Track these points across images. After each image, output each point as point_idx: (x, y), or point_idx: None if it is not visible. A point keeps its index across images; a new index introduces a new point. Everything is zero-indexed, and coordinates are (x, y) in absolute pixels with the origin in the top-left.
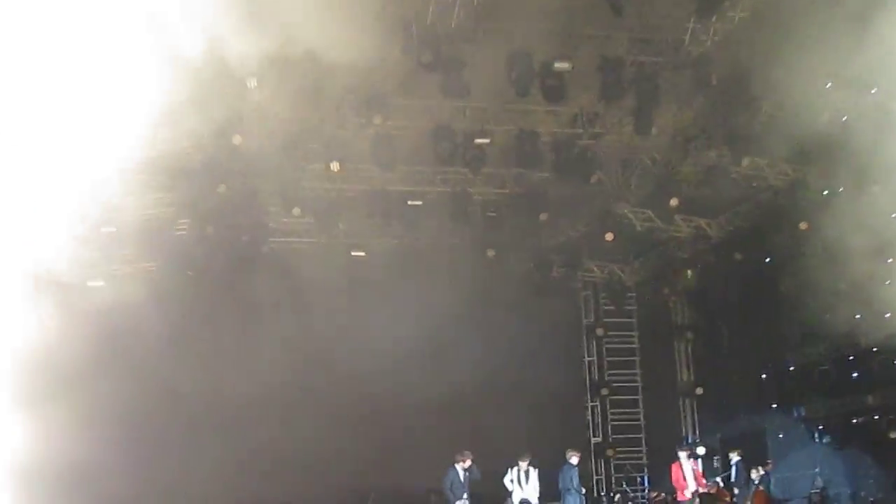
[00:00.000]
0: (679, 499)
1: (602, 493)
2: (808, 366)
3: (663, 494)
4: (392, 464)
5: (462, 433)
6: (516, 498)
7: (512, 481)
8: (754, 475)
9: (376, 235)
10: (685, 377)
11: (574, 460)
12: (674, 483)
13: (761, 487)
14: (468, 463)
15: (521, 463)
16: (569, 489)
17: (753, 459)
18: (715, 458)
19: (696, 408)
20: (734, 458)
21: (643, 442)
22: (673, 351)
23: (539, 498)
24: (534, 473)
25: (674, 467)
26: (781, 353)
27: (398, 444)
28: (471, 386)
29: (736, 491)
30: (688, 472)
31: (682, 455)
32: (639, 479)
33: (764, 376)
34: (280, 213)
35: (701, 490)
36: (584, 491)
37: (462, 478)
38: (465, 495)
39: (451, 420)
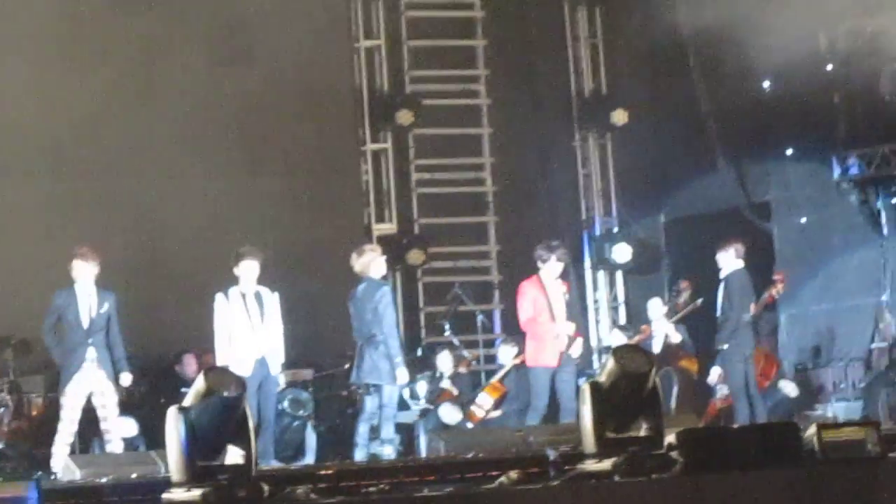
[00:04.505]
0: (528, 361)
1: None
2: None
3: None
4: None
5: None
6: (242, 356)
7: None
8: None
9: None
10: (589, 83)
11: (376, 269)
12: (521, 320)
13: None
14: (91, 265)
15: (242, 276)
16: (371, 336)
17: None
18: (659, 266)
19: (609, 152)
20: (727, 260)
21: (490, 233)
22: (561, 24)
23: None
24: (272, 300)
25: (525, 288)
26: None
27: None
28: None
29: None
30: (555, 298)
31: (549, 263)
32: (479, 320)
33: (767, 86)
34: None
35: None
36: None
37: (86, 310)
38: (90, 352)
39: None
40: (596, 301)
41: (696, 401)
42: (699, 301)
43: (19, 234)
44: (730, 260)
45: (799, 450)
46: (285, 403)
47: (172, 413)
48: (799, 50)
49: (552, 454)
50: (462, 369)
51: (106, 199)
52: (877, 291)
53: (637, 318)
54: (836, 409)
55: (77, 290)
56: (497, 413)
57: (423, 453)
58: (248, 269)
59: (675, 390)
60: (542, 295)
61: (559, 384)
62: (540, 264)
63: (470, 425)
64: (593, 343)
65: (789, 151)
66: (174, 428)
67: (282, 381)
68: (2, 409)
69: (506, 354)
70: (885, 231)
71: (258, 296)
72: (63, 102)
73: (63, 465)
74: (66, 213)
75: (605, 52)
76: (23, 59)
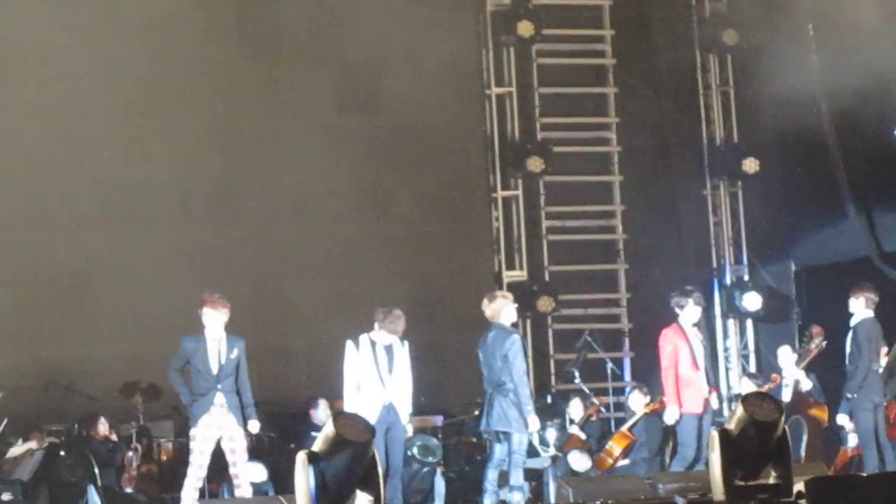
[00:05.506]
0: (669, 407)
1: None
2: None
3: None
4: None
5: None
6: (370, 403)
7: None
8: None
9: None
10: (720, 131)
11: (507, 316)
12: (663, 369)
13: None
14: (220, 313)
15: (380, 327)
16: (501, 384)
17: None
18: (789, 315)
19: (740, 200)
20: (857, 307)
21: (620, 281)
22: (692, 72)
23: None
24: (403, 352)
25: (668, 336)
26: None
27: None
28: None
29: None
30: (696, 344)
31: (687, 309)
32: (609, 368)
33: None
34: None
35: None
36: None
37: (215, 357)
38: (218, 397)
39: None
40: (726, 349)
41: (825, 449)
42: (824, 343)
43: (149, 281)
44: (860, 308)
45: None
46: (414, 450)
47: (301, 459)
48: None
49: (681, 502)
50: (592, 417)
51: (235, 245)
52: None
53: (766, 367)
54: None
55: (207, 336)
56: (626, 461)
57: (552, 500)
58: (384, 330)
59: (804, 438)
60: (685, 342)
61: (702, 431)
62: (678, 311)
63: (598, 473)
64: (723, 391)
65: None
66: (303, 474)
67: (410, 430)
68: (130, 454)
69: (636, 402)
70: None
71: (389, 349)
72: (191, 150)
73: None
74: (195, 259)
75: (737, 100)
76: (150, 109)
